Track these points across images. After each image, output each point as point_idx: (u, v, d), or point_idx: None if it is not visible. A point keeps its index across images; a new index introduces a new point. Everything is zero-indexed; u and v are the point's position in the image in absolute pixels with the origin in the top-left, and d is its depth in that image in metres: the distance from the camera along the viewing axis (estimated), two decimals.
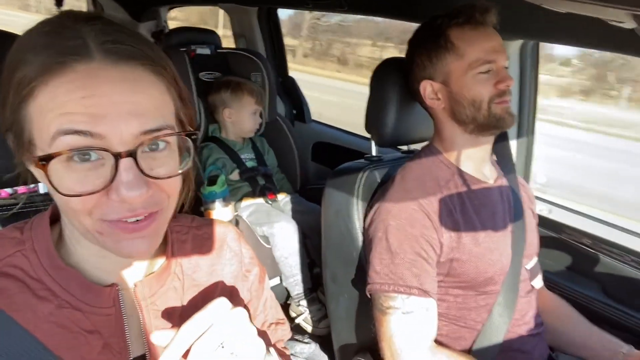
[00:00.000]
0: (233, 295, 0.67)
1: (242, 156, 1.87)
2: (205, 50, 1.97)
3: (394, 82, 1.15)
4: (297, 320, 1.71)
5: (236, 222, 1.63)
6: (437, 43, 1.00)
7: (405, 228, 0.97)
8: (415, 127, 1.20)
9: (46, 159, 0.44)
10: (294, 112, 2.52)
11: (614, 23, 0.67)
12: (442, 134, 1.08)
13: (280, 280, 1.75)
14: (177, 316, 0.59)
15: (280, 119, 2.12)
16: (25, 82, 0.45)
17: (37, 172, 0.50)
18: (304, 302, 1.70)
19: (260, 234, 1.67)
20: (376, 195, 1.12)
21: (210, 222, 0.69)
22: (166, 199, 0.51)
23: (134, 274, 0.58)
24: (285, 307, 1.76)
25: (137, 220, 0.48)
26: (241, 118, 1.85)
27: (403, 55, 1.11)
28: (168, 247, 0.62)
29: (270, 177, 1.90)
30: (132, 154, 0.45)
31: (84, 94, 0.44)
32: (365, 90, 1.20)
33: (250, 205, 1.74)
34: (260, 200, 1.78)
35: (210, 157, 1.77)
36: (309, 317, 1.69)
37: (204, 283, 0.64)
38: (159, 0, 2.73)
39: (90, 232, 0.48)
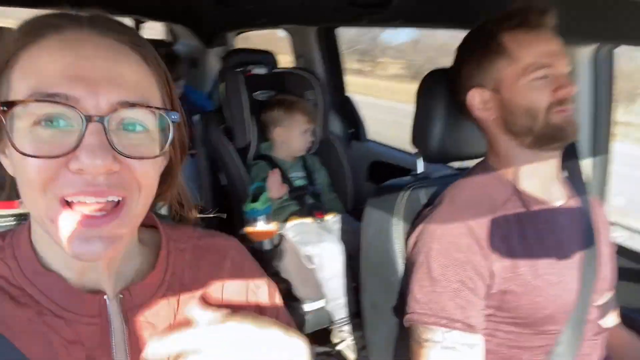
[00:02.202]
0: (235, 310, 0.61)
1: (292, 175, 1.84)
2: (261, 70, 2.00)
3: (441, 93, 1.06)
4: (338, 347, 1.62)
5: (280, 240, 1.60)
6: (487, 47, 0.91)
7: (449, 252, 0.86)
8: (467, 142, 1.09)
9: (8, 105, 0.42)
10: (351, 130, 2.47)
11: None
12: (496, 148, 0.97)
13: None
14: (168, 329, 0.54)
15: (334, 138, 2.08)
16: (9, 47, 0.44)
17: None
18: (346, 328, 1.60)
19: (304, 253, 1.62)
20: (421, 215, 1.03)
21: (213, 234, 0.65)
22: (136, 188, 0.47)
23: (122, 281, 0.54)
24: (328, 332, 1.68)
25: (95, 217, 0.44)
26: (292, 136, 1.83)
27: None
28: (162, 255, 0.57)
29: (319, 196, 1.85)
30: (102, 121, 0.43)
31: (65, 55, 0.43)
32: None
33: (297, 224, 1.69)
34: (308, 219, 1.73)
35: (259, 175, 1.76)
36: (352, 344, 1.59)
37: (202, 295, 0.59)
38: (225, 25, 2.86)
39: (43, 219, 0.44)
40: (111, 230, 0.45)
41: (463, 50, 0.98)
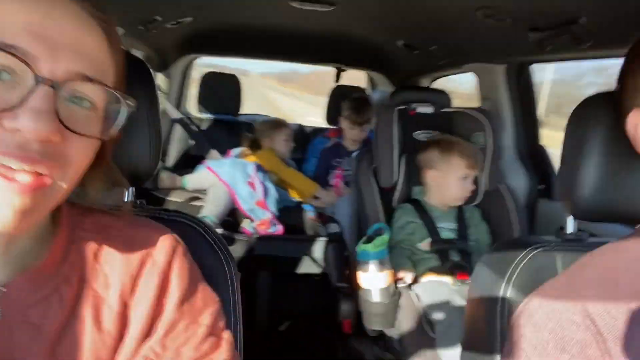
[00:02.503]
0: (143, 317, 0.51)
1: (440, 225, 1.60)
2: (427, 109, 1.85)
3: (602, 125, 0.76)
4: None
5: (398, 295, 1.37)
6: None
7: (546, 347, 0.57)
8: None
9: None
10: (541, 186, 2.06)
11: None
12: None
13: None
14: (56, 334, 0.46)
15: (505, 190, 1.75)
16: None
17: None
18: None
19: (428, 317, 1.35)
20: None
21: (146, 225, 0.56)
22: (67, 164, 0.43)
23: (4, 273, 0.47)
24: None
25: (14, 180, 0.39)
26: (446, 182, 1.60)
27: None
28: (57, 243, 0.50)
29: (469, 254, 1.54)
30: (55, 86, 0.41)
31: (32, 11, 0.41)
32: None
33: (430, 282, 1.44)
34: (447, 278, 1.45)
35: (401, 219, 1.59)
36: None
37: (105, 296, 0.50)
38: (415, 71, 2.82)
39: None
40: (28, 202, 0.40)
41: (629, 62, 0.69)
